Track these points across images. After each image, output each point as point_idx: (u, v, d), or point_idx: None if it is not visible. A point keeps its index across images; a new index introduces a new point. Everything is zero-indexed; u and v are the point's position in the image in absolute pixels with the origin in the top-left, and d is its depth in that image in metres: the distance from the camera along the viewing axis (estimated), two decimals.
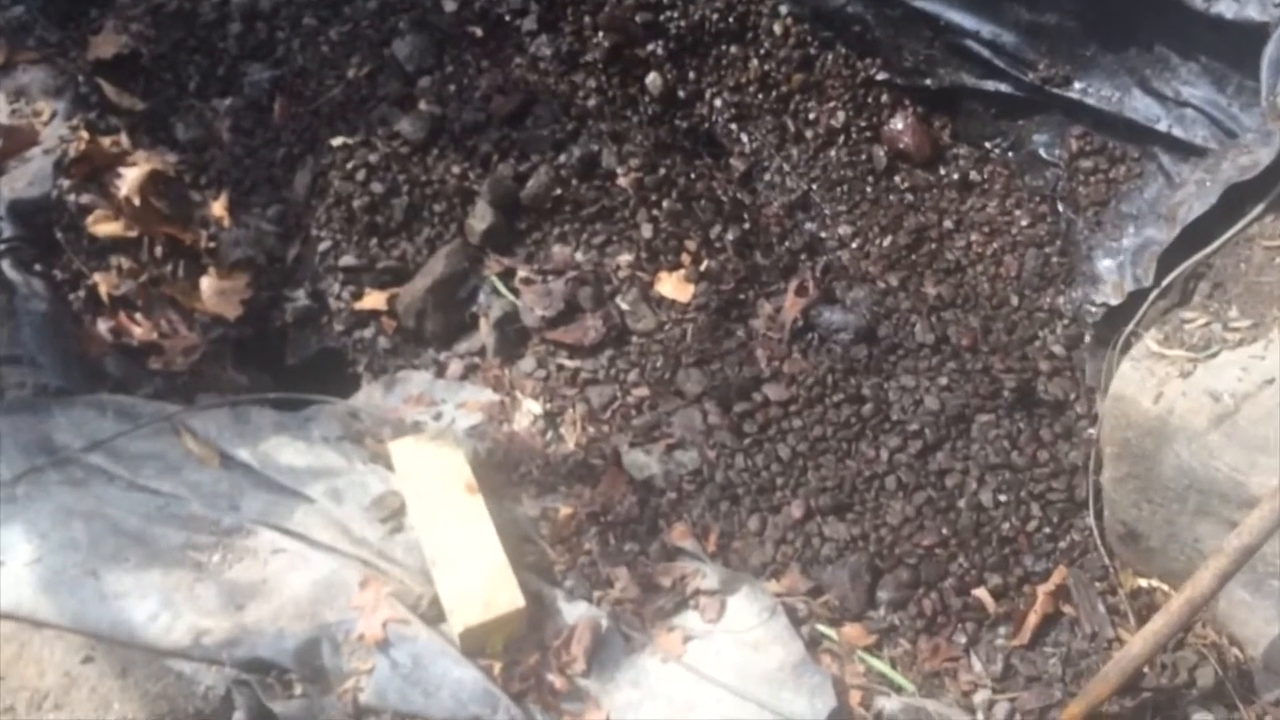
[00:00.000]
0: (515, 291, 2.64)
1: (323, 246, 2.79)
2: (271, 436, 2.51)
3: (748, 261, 2.64)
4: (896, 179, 3.02)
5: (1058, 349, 2.54)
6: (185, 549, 2.23)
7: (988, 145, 2.97)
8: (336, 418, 2.57)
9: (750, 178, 3.11)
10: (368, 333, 2.73)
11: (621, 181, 2.69)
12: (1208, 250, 2.03)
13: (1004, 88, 2.82)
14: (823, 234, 2.91)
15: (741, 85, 3.19)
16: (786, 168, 3.10)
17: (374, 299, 2.73)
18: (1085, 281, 2.65)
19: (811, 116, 3.16)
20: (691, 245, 2.65)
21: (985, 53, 2.77)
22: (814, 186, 3.04)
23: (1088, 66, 2.67)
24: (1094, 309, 2.28)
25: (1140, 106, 2.61)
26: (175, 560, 2.21)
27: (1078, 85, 2.70)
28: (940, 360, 2.47)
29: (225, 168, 2.96)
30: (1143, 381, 1.91)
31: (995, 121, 2.93)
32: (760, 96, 3.17)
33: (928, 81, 2.95)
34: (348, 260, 2.76)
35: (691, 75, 3.18)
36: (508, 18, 3.05)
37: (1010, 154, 2.93)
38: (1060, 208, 2.78)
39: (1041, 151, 2.83)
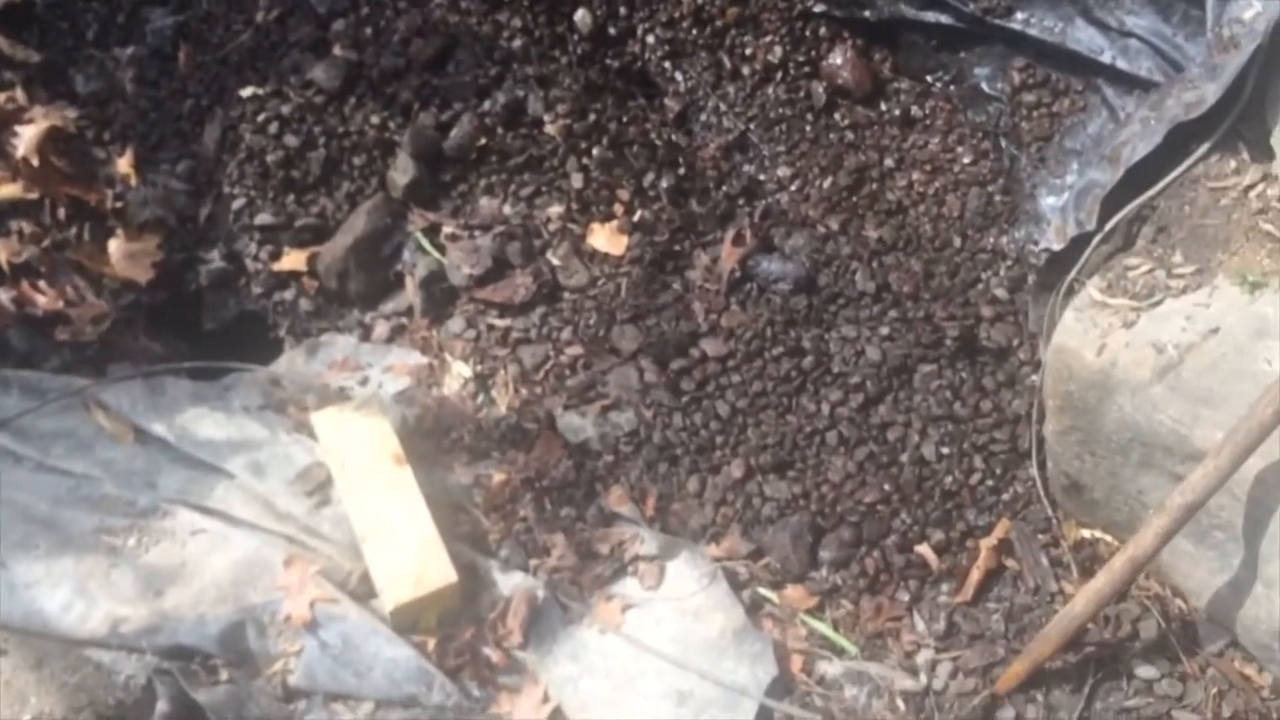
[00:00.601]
0: (441, 248, 2.52)
1: (236, 204, 2.65)
2: (189, 408, 2.40)
3: (683, 210, 2.54)
4: (836, 116, 2.92)
5: (1000, 292, 2.47)
6: (98, 533, 2.13)
7: (929, 79, 2.87)
8: (257, 386, 2.47)
9: (686, 118, 2.99)
10: (288, 294, 2.61)
11: (549, 129, 2.56)
12: (1151, 192, 1.96)
13: (944, 19, 2.71)
14: (761, 176, 2.81)
15: (675, 20, 3.05)
16: (723, 107, 2.98)
17: (293, 259, 2.60)
18: (1029, 221, 2.57)
19: (748, 52, 3.04)
20: (624, 195, 2.54)
21: None
22: (752, 126, 2.93)
23: None
24: (1037, 252, 2.21)
25: (1083, 37, 2.51)
26: (88, 545, 2.12)
27: (1019, 15, 2.59)
28: (881, 309, 2.40)
29: (130, 122, 2.79)
30: (1085, 333, 1.85)
31: (936, 54, 2.83)
32: (694, 32, 3.04)
33: (866, 13, 2.84)
34: (264, 218, 2.62)
35: (623, 11, 3.03)
36: None
37: (952, 88, 2.84)
38: (1003, 144, 2.69)
39: (984, 85, 2.74)
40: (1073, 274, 2.00)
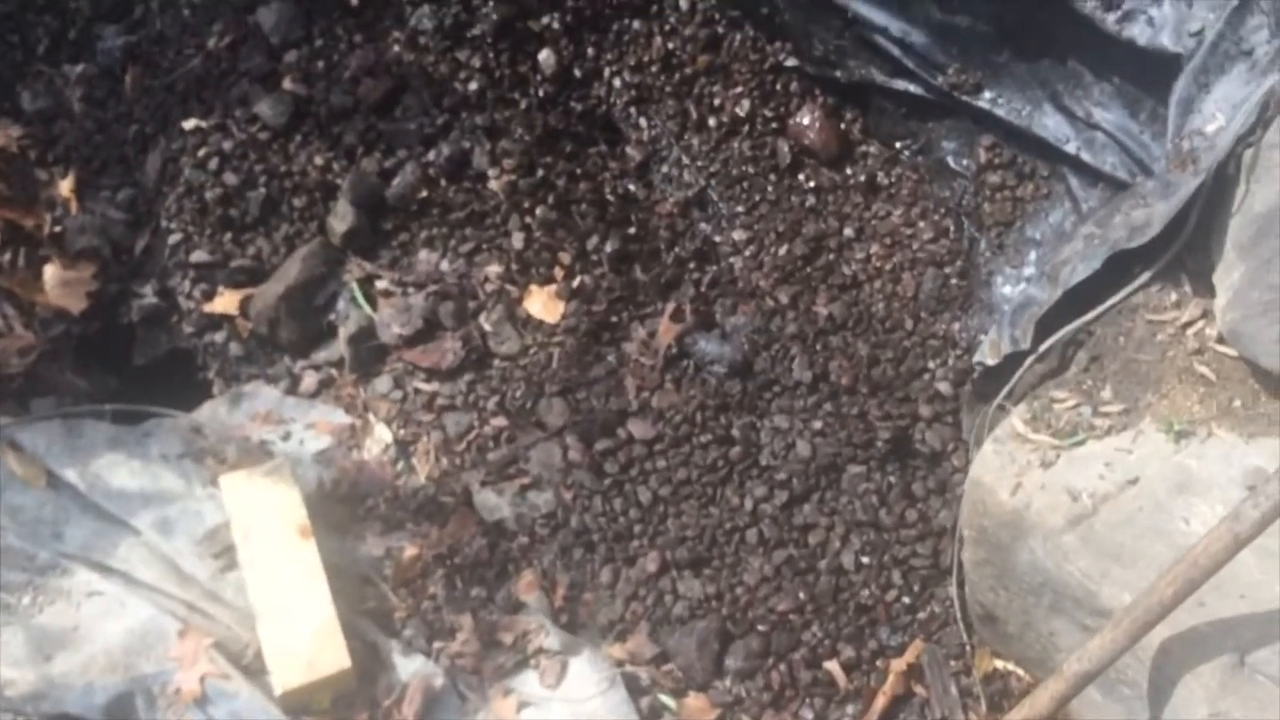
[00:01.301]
0: (374, 302, 2.46)
1: (173, 239, 2.59)
2: (105, 454, 2.35)
3: (625, 278, 2.46)
4: (801, 177, 2.83)
5: (944, 387, 2.39)
6: None
7: (898, 145, 2.78)
8: (178, 433, 2.41)
9: (647, 169, 2.91)
10: (219, 336, 2.55)
11: (493, 184, 2.49)
12: (1088, 317, 1.88)
13: (913, 88, 2.62)
14: (717, 238, 2.73)
15: (643, 65, 2.96)
16: (685, 160, 2.89)
17: (226, 301, 2.54)
18: (982, 310, 2.49)
19: (716, 102, 2.94)
20: (565, 258, 2.47)
21: (895, 50, 2.57)
22: (713, 182, 2.85)
23: (999, 75, 2.47)
24: (974, 365, 2.13)
25: (1050, 124, 2.42)
26: None
27: (988, 94, 2.50)
28: (817, 400, 2.33)
29: (74, 144, 2.73)
30: (1002, 469, 1.78)
31: (905, 122, 2.74)
32: (663, 78, 2.95)
33: (837, 73, 2.75)
34: (199, 256, 2.56)
35: (590, 52, 2.95)
36: None
37: (920, 158, 2.75)
38: (965, 224, 2.60)
39: (950, 160, 2.65)
40: (1002, 394, 1.92)
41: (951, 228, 2.65)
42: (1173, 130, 2.02)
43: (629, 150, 2.92)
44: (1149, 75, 2.19)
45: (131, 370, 2.61)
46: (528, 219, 2.50)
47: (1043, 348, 1.91)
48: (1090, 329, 1.90)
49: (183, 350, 2.60)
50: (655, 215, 2.79)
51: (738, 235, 2.74)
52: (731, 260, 2.72)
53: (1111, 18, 2.14)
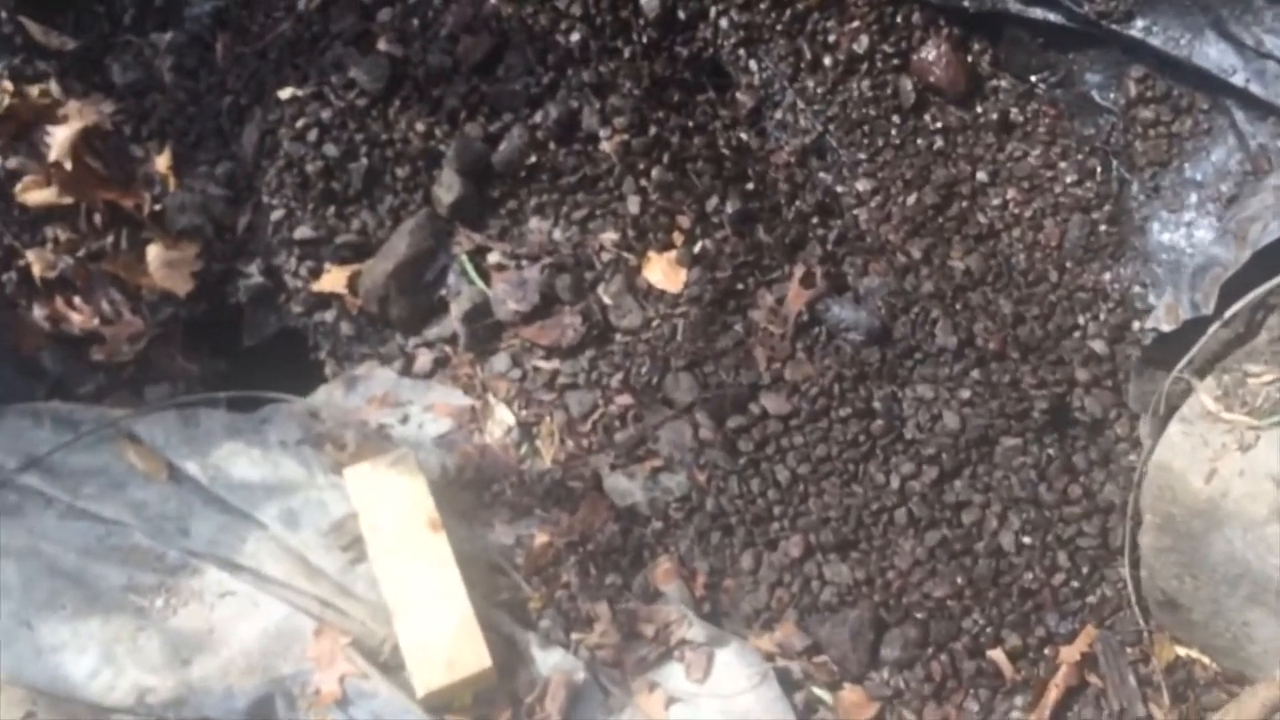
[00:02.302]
0: (486, 277, 2.35)
1: (276, 215, 2.50)
2: (224, 443, 2.30)
3: (748, 240, 2.32)
4: (926, 117, 2.64)
5: (1098, 345, 2.22)
6: (127, 591, 2.06)
7: (1033, 79, 2.57)
8: (295, 418, 2.35)
9: (759, 115, 2.74)
10: (328, 315, 2.48)
11: (605, 146, 2.36)
12: (1276, 282, 1.70)
13: (1053, 17, 2.40)
14: (839, 189, 2.57)
15: (751, 2, 2.78)
16: (800, 104, 2.72)
17: (333, 278, 2.45)
18: (1136, 259, 2.31)
19: (831, 39, 2.76)
20: (685, 222, 2.33)
21: None
22: (831, 128, 2.68)
23: (1152, 1, 2.24)
24: (1144, 331, 1.96)
25: (1214, 53, 2.20)
26: (116, 605, 2.05)
27: (1140, 22, 2.28)
28: (963, 368, 2.18)
29: (168, 116, 2.65)
30: (1194, 452, 1.62)
31: (1042, 52, 2.53)
32: (773, 16, 2.77)
33: (966, 3, 2.54)
34: (303, 232, 2.47)
35: None
36: None
37: (1058, 91, 2.54)
38: (1113, 164, 2.41)
39: (1094, 94, 2.44)
40: (1182, 364, 1.76)
41: (1098, 168, 2.45)
42: None
43: (740, 96, 2.76)
44: None
45: (241, 352, 2.55)
46: (642, 181, 2.36)
47: (1229, 313, 1.74)
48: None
49: (292, 330, 2.53)
50: (772, 167, 2.63)
51: (861, 185, 2.57)
52: (856, 213, 2.56)
53: None
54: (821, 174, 2.64)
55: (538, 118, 2.41)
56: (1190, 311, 1.79)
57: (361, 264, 2.47)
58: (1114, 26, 2.30)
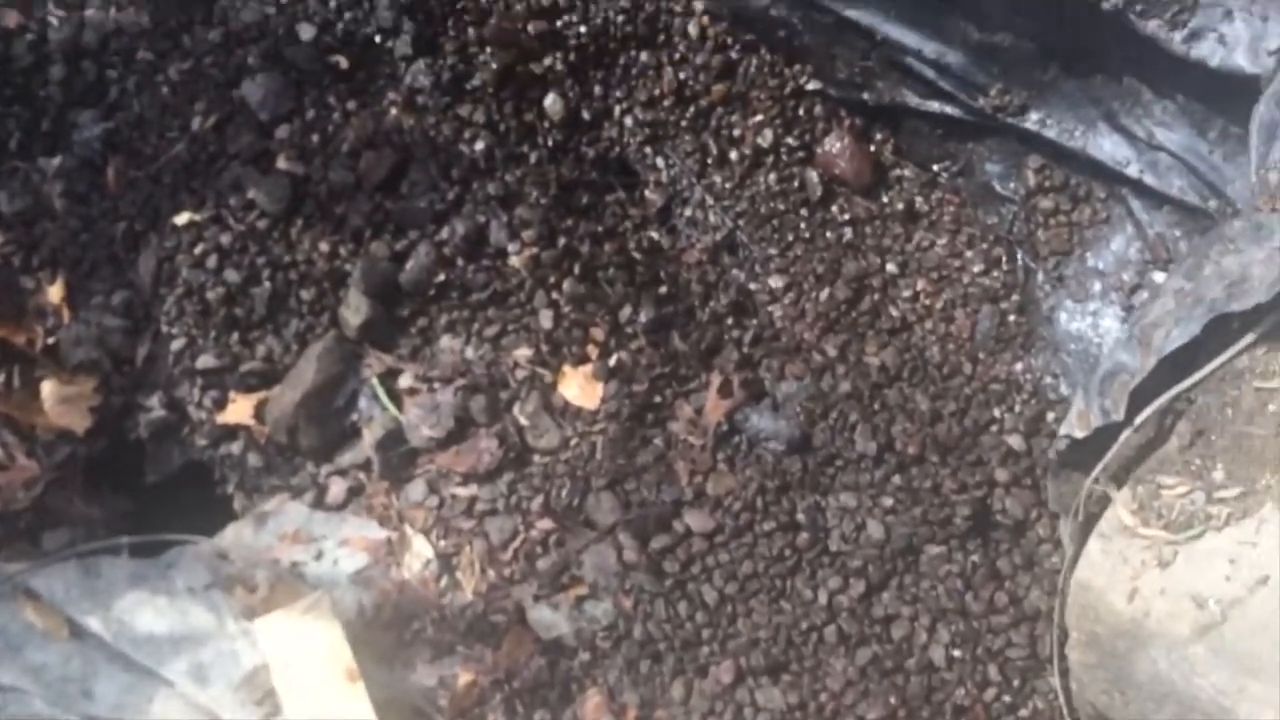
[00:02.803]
0: (398, 400, 2.29)
1: (176, 345, 2.42)
2: (128, 593, 2.21)
3: (663, 349, 2.30)
4: (834, 209, 2.65)
5: (1015, 440, 2.23)
6: None
7: (935, 168, 2.60)
8: (203, 561, 2.27)
9: (669, 213, 2.73)
10: (235, 447, 2.39)
11: (514, 261, 2.31)
12: (1186, 384, 1.71)
13: (950, 109, 2.43)
14: (752, 285, 2.56)
15: (655, 99, 2.77)
16: (709, 200, 2.71)
17: (239, 409, 2.37)
18: (1046, 348, 2.33)
19: (736, 134, 2.76)
20: (599, 334, 2.30)
21: (929, 72, 2.38)
22: (741, 223, 2.67)
23: (1046, 94, 2.28)
24: (1057, 437, 1.96)
25: (1107, 145, 2.24)
26: None
27: (1035, 115, 2.32)
28: (884, 474, 2.17)
29: (60, 245, 2.55)
30: (1114, 570, 1.62)
31: (943, 143, 2.55)
32: (677, 112, 2.76)
33: (865, 96, 2.56)
34: (206, 361, 2.39)
35: (597, 90, 2.76)
36: (377, 39, 2.60)
37: (960, 179, 2.56)
38: (1018, 253, 2.43)
39: (995, 184, 2.47)
40: (1097, 471, 1.77)
41: (1004, 258, 2.47)
42: (1256, 160, 1.84)
43: (648, 194, 2.75)
44: (1219, 94, 2.01)
45: (145, 489, 2.46)
46: (554, 295, 2.32)
47: (1139, 420, 1.75)
48: (1190, 396, 1.74)
49: (198, 463, 2.44)
50: (684, 267, 2.62)
51: (774, 282, 2.57)
52: (771, 310, 2.55)
53: (1178, 36, 1.95)
54: (734, 271, 2.63)
55: (444, 234, 2.37)
56: (1101, 418, 1.80)
57: (269, 391, 2.39)
58: (1010, 120, 2.33)
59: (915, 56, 2.38)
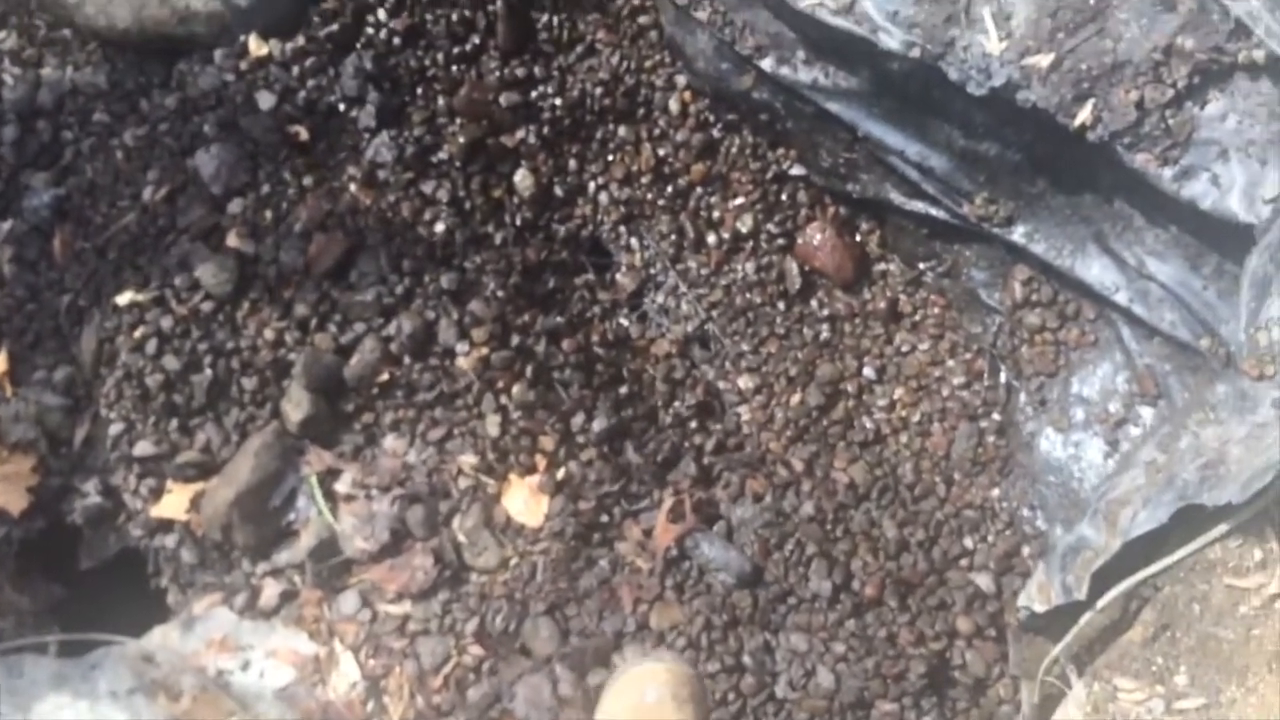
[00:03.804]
0: (335, 503, 2.19)
1: (114, 429, 2.32)
2: (49, 694, 2.12)
3: (616, 462, 2.18)
4: (813, 303, 2.52)
5: (984, 580, 2.09)
6: None
7: (921, 266, 2.45)
8: (128, 663, 2.17)
9: (640, 298, 2.60)
10: (170, 540, 2.30)
11: (462, 363, 2.20)
12: (1153, 570, 1.57)
13: (935, 212, 2.28)
14: (721, 384, 2.43)
15: (633, 176, 2.64)
16: (683, 286, 2.58)
17: (175, 501, 2.28)
18: (1025, 476, 2.18)
19: (715, 216, 2.63)
20: (548, 442, 2.18)
21: (912, 173, 2.24)
22: (714, 314, 2.54)
23: (1034, 207, 2.13)
24: (1018, 607, 1.83)
25: (1096, 268, 2.09)
26: None
27: (1021, 228, 2.17)
28: (839, 617, 2.04)
29: (6, 314, 2.47)
30: None
31: (928, 241, 2.41)
32: (655, 190, 2.64)
33: (849, 187, 2.42)
34: (144, 448, 2.30)
35: (572, 165, 2.64)
36: (341, 108, 2.49)
37: (946, 281, 2.42)
38: (1001, 369, 2.28)
39: (981, 292, 2.32)
40: (1056, 651, 1.63)
41: (986, 371, 2.33)
42: (1246, 316, 1.70)
43: (620, 277, 2.62)
44: (1213, 230, 1.85)
45: (79, 575, 2.37)
46: (503, 400, 2.21)
47: (1101, 603, 1.61)
48: (1156, 583, 1.59)
49: (134, 550, 2.35)
50: (650, 361, 2.49)
51: (744, 382, 2.44)
52: (739, 411, 2.42)
53: (1167, 173, 1.80)
54: (704, 366, 2.50)
55: (391, 329, 2.26)
56: (1062, 595, 1.66)
57: (206, 483, 2.30)
58: (995, 230, 2.18)
59: (898, 156, 2.24)
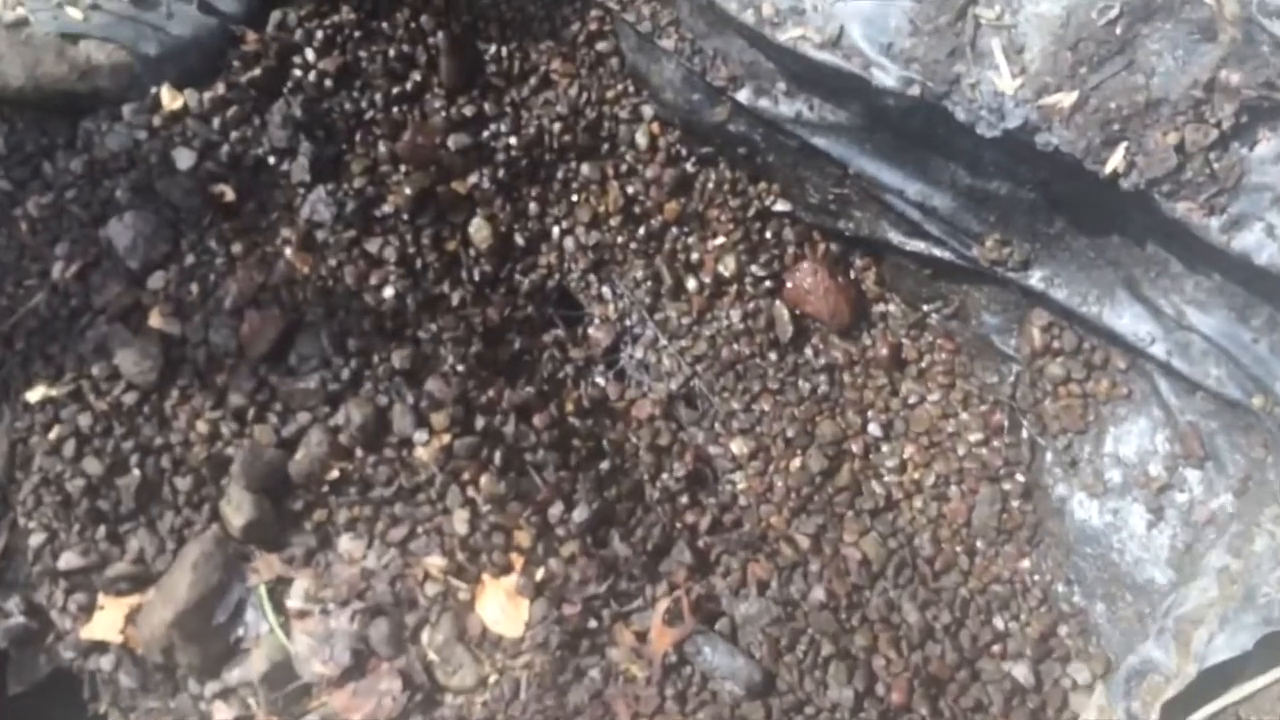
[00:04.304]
0: (289, 622, 1.94)
1: (35, 540, 2.06)
2: None
3: (602, 555, 1.94)
4: (808, 352, 2.29)
5: (1021, 670, 1.88)
6: None
7: (925, 308, 2.22)
8: None
9: (616, 354, 2.36)
10: (105, 662, 2.04)
11: (421, 453, 1.95)
12: (1232, 699, 1.35)
13: (938, 252, 2.05)
14: (712, 449, 2.20)
15: (600, 218, 2.40)
16: (662, 339, 2.34)
17: (107, 620, 2.03)
18: (1057, 546, 1.97)
19: (693, 258, 2.39)
20: (524, 538, 1.94)
21: (914, 213, 2.00)
22: (699, 369, 2.30)
23: (1053, 249, 1.91)
24: None
25: (1127, 317, 1.86)
26: None
27: (1039, 272, 1.94)
28: None
29: None
30: None
31: (931, 282, 2.18)
32: (625, 233, 2.39)
33: (840, 224, 2.18)
34: (70, 560, 2.04)
35: (532, 209, 2.39)
36: (270, 161, 2.22)
37: (954, 323, 2.19)
38: (1022, 424, 2.06)
39: (994, 338, 2.09)
40: None
41: (1005, 425, 2.11)
42: None
43: (593, 331, 2.38)
44: (1265, 281, 1.63)
45: (8, 700, 2.10)
46: (470, 492, 1.96)
47: None
48: (1240, 712, 1.38)
49: (66, 671, 2.09)
50: (632, 427, 2.25)
51: (737, 446, 2.21)
52: (733, 480, 2.19)
53: (1215, 224, 1.57)
54: (691, 429, 2.27)
55: (340, 418, 2.00)
56: None
57: (143, 594, 2.04)
58: (1010, 274, 1.95)
59: (896, 195, 2.00)
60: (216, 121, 2.20)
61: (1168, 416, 1.87)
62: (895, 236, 2.09)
